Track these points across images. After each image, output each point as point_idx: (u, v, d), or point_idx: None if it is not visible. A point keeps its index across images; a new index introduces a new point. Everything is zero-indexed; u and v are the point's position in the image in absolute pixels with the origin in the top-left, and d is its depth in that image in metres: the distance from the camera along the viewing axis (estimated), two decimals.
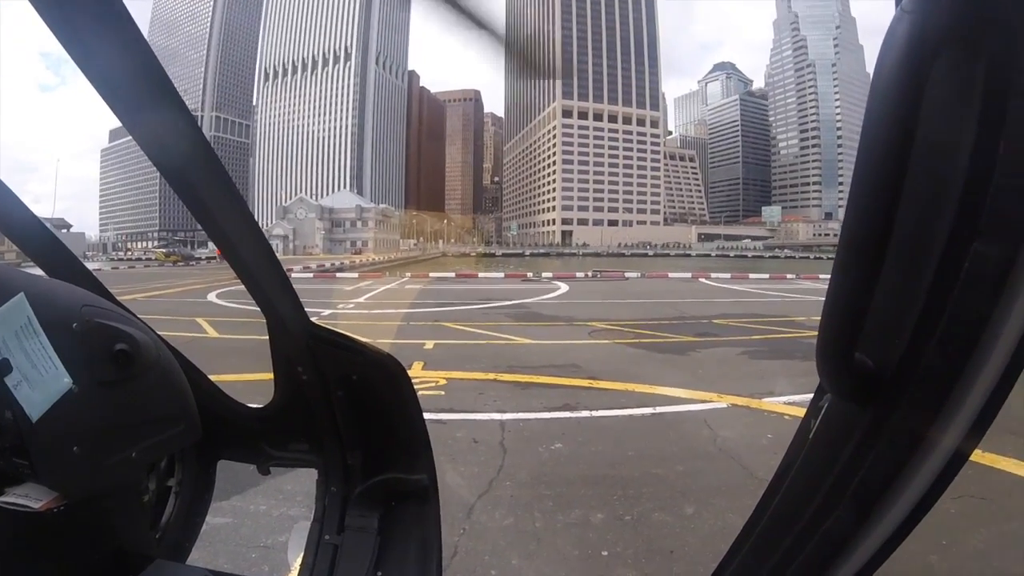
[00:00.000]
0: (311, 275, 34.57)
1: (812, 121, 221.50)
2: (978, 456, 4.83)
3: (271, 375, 1.61)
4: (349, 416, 1.59)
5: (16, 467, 1.12)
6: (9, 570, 1.01)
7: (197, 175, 1.05)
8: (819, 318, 0.62)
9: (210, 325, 13.09)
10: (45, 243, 1.48)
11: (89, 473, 1.17)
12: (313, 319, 1.47)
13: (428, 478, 1.60)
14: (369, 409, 1.59)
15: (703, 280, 31.72)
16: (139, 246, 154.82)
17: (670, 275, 35.17)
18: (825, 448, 0.75)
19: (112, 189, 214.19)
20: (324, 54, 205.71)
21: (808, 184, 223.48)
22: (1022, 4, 0.50)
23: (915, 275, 0.58)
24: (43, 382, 1.08)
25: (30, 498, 1.13)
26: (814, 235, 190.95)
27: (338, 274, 35.34)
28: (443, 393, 7.06)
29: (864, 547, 0.71)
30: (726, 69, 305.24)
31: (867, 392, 0.64)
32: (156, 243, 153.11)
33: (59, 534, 1.20)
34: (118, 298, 1.48)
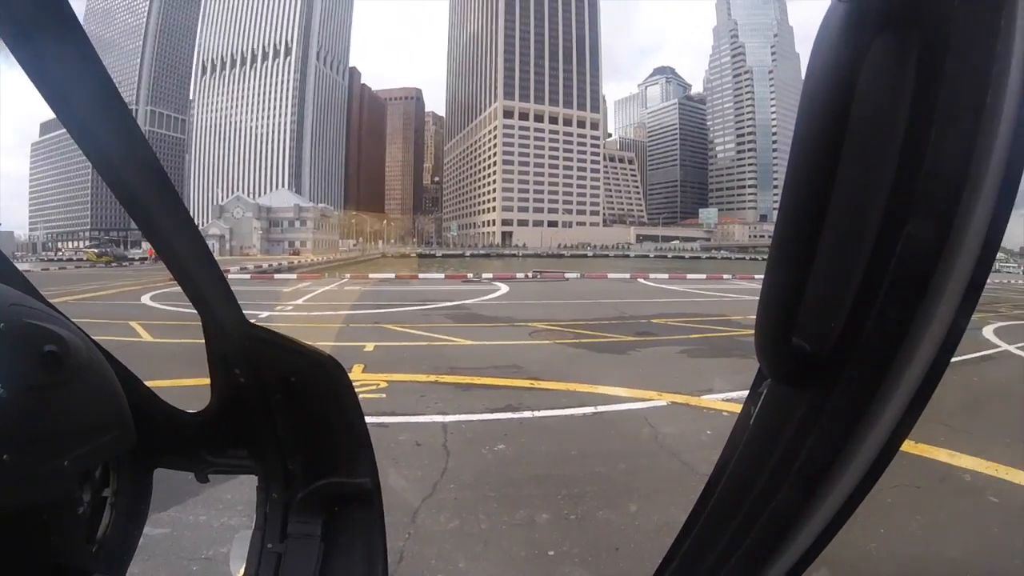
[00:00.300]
0: (248, 276, 33.73)
1: (748, 125, 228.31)
2: (911, 447, 5.05)
3: (207, 380, 1.54)
4: (288, 419, 1.54)
5: None
6: None
7: (132, 170, 1.05)
8: (755, 316, 0.63)
9: (144, 329, 12.59)
10: None
11: (20, 483, 1.08)
12: (250, 320, 1.42)
13: (371, 481, 1.56)
14: (309, 411, 1.54)
15: (642, 280, 32.28)
16: (70, 246, 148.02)
17: (609, 275, 35.65)
18: (766, 432, 0.76)
19: (43, 186, 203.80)
20: (264, 48, 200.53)
21: (744, 187, 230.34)
22: (947, 9, 0.51)
23: (849, 259, 0.58)
24: None
25: None
26: (750, 236, 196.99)
27: (276, 275, 34.53)
28: (384, 396, 6.96)
29: (809, 527, 0.71)
30: (666, 73, 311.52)
31: (805, 375, 0.65)
32: (88, 243, 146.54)
33: None
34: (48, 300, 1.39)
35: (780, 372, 0.69)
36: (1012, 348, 11.19)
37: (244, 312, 1.40)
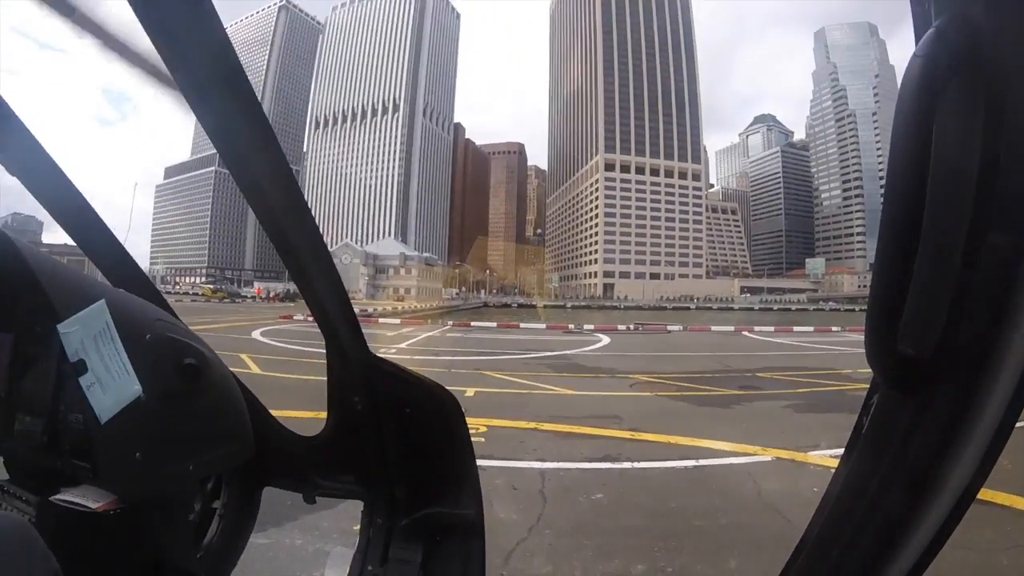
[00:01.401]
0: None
1: (854, 171, 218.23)
2: (1021, 502, 4.66)
3: (311, 414, 1.67)
4: (399, 448, 1.61)
5: (74, 468, 1.19)
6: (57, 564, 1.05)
7: (282, 205, 1.12)
8: (865, 370, 0.72)
9: (253, 362, 13.35)
10: (122, 261, 1.59)
11: (149, 479, 1.23)
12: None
13: (475, 514, 1.60)
14: (420, 441, 1.60)
15: (746, 333, 31.21)
16: (187, 280, 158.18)
17: (713, 328, 34.64)
18: (876, 438, 0.81)
19: (164, 224, 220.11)
20: (374, 105, 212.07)
21: (852, 235, 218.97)
22: (1004, 47, 0.62)
23: (943, 269, 0.66)
24: (115, 386, 1.15)
25: (88, 498, 1.18)
26: (859, 287, 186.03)
27: (380, 319, 35.64)
28: (483, 440, 7.07)
29: (921, 530, 0.75)
30: (767, 121, 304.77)
31: (911, 378, 0.71)
32: (204, 279, 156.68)
33: (109, 537, 1.25)
34: None
35: (888, 375, 0.74)
36: None
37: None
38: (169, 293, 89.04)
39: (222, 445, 1.41)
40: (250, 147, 1.04)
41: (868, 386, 0.82)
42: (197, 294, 79.99)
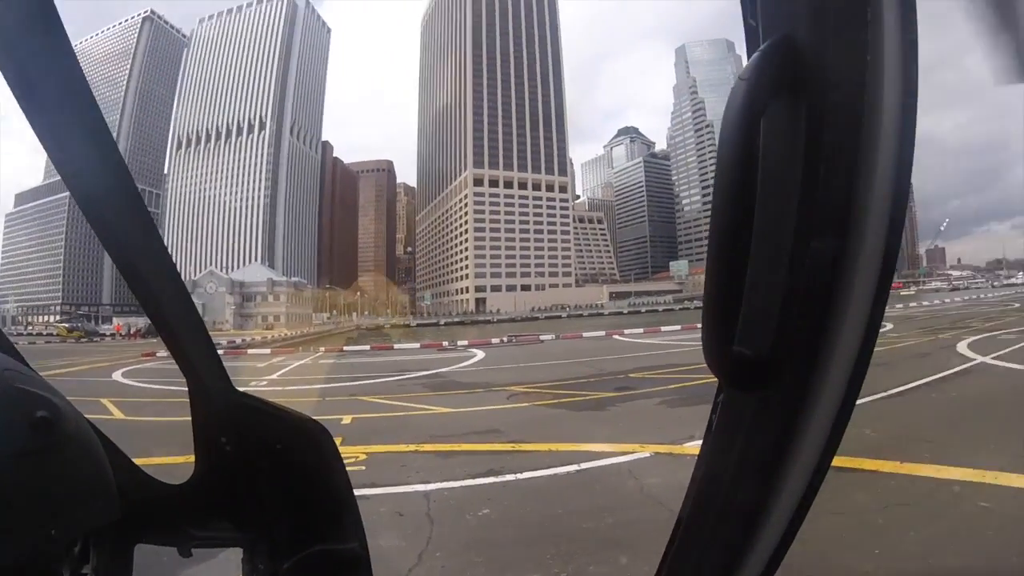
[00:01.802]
0: (221, 352, 33.13)
1: (712, 177, 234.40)
2: (897, 467, 5.10)
3: (180, 458, 1.52)
4: (274, 487, 1.51)
5: None
6: None
7: (126, 227, 1.06)
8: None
9: (115, 406, 12.30)
10: None
11: (5, 547, 1.05)
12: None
13: (359, 546, 1.53)
14: (294, 478, 1.51)
15: (617, 337, 32.38)
16: (40, 320, 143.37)
17: (584, 335, 35.76)
18: (724, 433, 0.86)
19: (14, 258, 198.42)
20: (239, 123, 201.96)
21: None
22: (823, 70, 0.69)
23: (772, 272, 0.71)
24: None
25: None
26: None
27: (249, 350, 34.07)
28: (364, 468, 6.84)
29: (774, 519, 0.81)
30: (630, 133, 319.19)
31: (748, 377, 0.76)
32: (58, 317, 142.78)
33: None
34: None
35: (726, 375, 0.79)
36: (987, 359, 11.45)
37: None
38: (21, 335, 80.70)
39: (85, 504, 1.22)
40: (95, 172, 1.00)
41: None
42: (52, 334, 72.99)
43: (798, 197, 0.70)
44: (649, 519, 4.77)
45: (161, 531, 1.59)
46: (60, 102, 0.91)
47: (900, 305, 44.77)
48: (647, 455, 6.69)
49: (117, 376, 19.64)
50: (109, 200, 1.02)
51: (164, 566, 3.74)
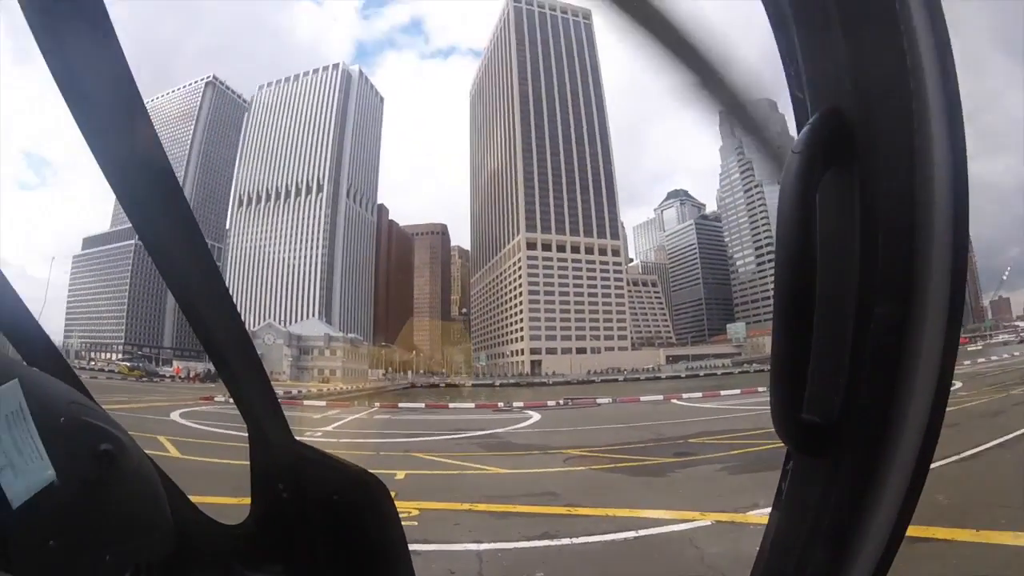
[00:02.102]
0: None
1: (766, 237, 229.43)
2: (973, 535, 4.76)
3: (234, 500, 1.53)
4: (328, 538, 1.51)
5: None
6: None
7: (192, 273, 1.08)
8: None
9: (172, 444, 12.61)
10: (36, 338, 1.45)
11: (63, 570, 1.10)
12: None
13: None
14: (349, 529, 1.52)
15: (675, 401, 31.71)
16: (103, 357, 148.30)
17: (642, 398, 35.10)
18: (795, 502, 0.86)
19: (80, 297, 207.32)
20: (297, 184, 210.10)
21: (768, 298, 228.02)
22: (872, 137, 0.71)
23: (837, 339, 0.73)
24: (27, 471, 1.06)
25: None
26: None
27: (305, 401, 34.53)
28: (416, 524, 6.76)
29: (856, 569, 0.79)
30: (680, 196, 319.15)
31: (818, 443, 0.77)
32: (120, 356, 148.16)
33: None
34: None
35: (796, 442, 0.79)
36: None
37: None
38: (84, 369, 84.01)
39: (140, 535, 1.29)
40: (168, 226, 1.03)
41: None
42: (113, 371, 75.65)
43: (859, 264, 0.72)
44: None
45: (211, 569, 1.60)
46: (136, 157, 0.94)
47: (968, 361, 42.38)
48: (708, 523, 6.43)
49: (175, 416, 20.19)
50: (177, 247, 1.05)
51: None
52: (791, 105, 0.84)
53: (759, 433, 14.42)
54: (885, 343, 0.71)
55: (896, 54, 0.71)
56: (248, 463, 1.49)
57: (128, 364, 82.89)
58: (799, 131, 0.77)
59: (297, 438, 1.44)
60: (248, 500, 1.54)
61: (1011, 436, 8.55)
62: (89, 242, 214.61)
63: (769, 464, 9.95)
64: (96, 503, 1.17)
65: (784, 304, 0.74)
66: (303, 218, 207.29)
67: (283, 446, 1.43)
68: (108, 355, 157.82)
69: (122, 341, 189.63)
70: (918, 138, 0.70)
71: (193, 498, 1.56)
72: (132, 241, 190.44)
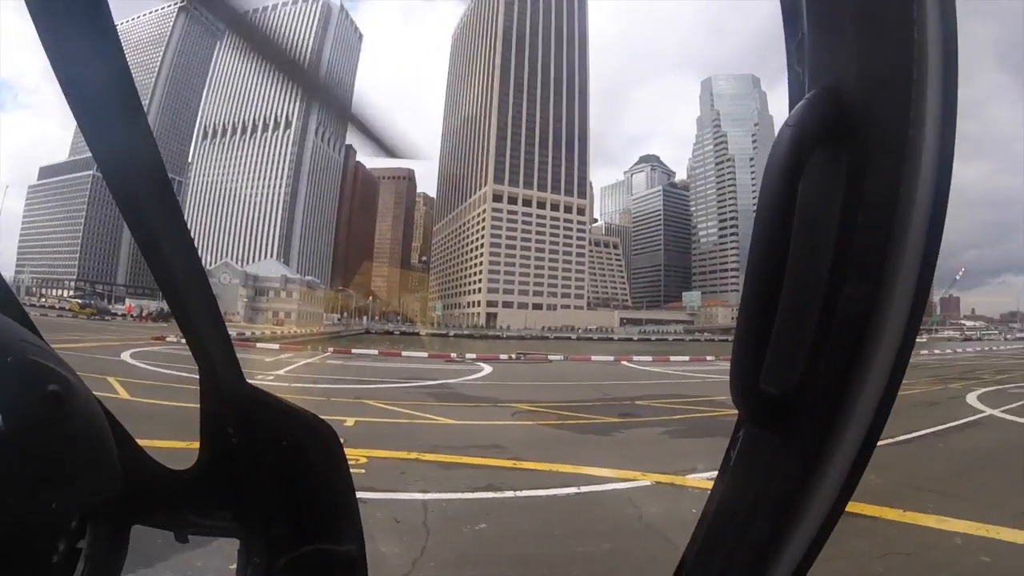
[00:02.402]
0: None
1: (731, 211, 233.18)
2: (900, 515, 5.03)
3: (183, 443, 1.53)
4: (277, 482, 1.50)
5: None
6: None
7: (153, 208, 1.06)
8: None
9: (121, 386, 12.38)
10: None
11: (6, 517, 1.03)
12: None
13: (356, 549, 1.52)
14: (298, 475, 1.51)
15: (625, 363, 32.27)
16: (54, 293, 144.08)
17: (593, 358, 35.67)
18: (743, 470, 0.86)
19: (34, 229, 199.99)
20: (265, 119, 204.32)
21: (727, 270, 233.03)
22: (867, 122, 0.71)
23: (802, 315, 0.72)
24: None
25: None
26: (732, 318, 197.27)
27: (258, 344, 34.19)
28: (364, 471, 6.84)
29: (786, 556, 0.80)
30: (651, 161, 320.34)
31: (772, 415, 0.77)
32: (72, 293, 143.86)
33: None
34: None
35: (751, 413, 0.80)
36: (996, 412, 11.30)
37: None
38: (34, 306, 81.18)
39: (87, 479, 1.21)
40: (129, 155, 1.00)
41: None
42: (64, 309, 73.41)
43: (834, 243, 0.72)
44: (646, 549, 4.75)
45: (159, 514, 1.59)
46: (99, 80, 0.91)
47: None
48: (648, 483, 6.64)
49: (125, 356, 19.82)
50: (138, 179, 1.02)
51: (159, 549, 3.74)
52: (786, 81, 0.83)
53: (704, 400, 14.86)
54: (850, 323, 0.71)
55: (904, 42, 0.70)
56: (198, 406, 1.46)
57: (79, 302, 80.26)
58: (791, 107, 0.77)
59: (248, 381, 1.42)
60: (196, 444, 1.50)
61: (944, 427, 8.98)
62: (46, 171, 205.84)
63: (709, 431, 10.33)
64: (42, 447, 1.09)
65: (756, 273, 0.74)
66: (268, 154, 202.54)
67: (235, 389, 1.42)
68: (60, 291, 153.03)
69: (75, 277, 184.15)
70: (913, 129, 0.70)
71: (141, 442, 1.55)
72: (90, 172, 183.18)
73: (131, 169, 1.00)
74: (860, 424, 0.75)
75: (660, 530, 5.12)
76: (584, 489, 6.43)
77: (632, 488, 6.49)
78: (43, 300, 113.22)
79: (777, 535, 0.79)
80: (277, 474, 1.49)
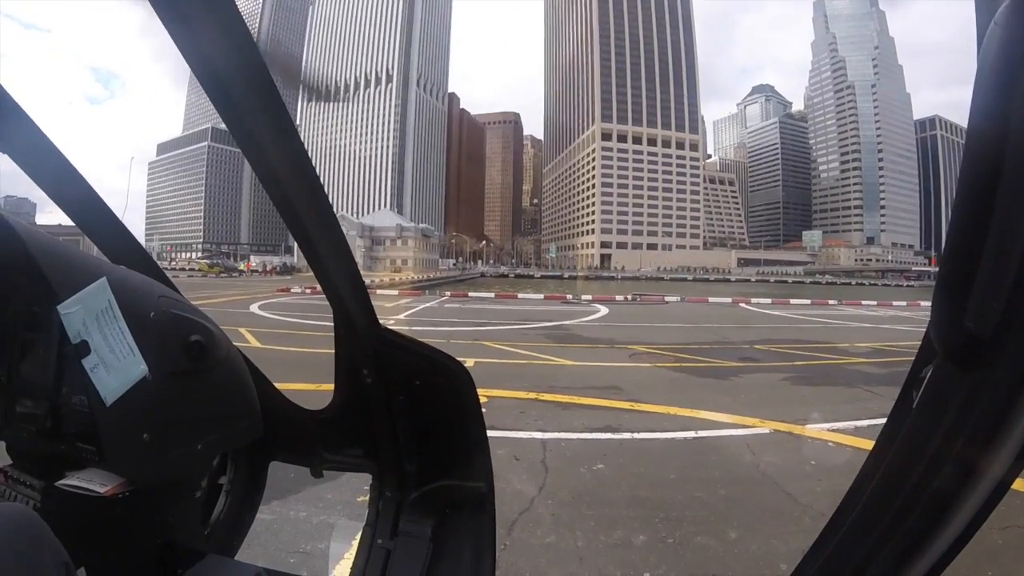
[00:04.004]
0: None
1: (852, 143, 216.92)
2: (1021, 484, 4.69)
3: (314, 386, 1.62)
4: (409, 420, 1.58)
5: (79, 452, 1.16)
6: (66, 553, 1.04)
7: (286, 169, 1.09)
8: (862, 344, 0.72)
9: (252, 335, 13.34)
10: (121, 237, 1.52)
11: (157, 461, 1.20)
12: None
13: (486, 486, 1.57)
14: (430, 414, 1.57)
15: (743, 305, 31.40)
16: (183, 256, 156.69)
17: (710, 300, 34.84)
18: (929, 411, 0.78)
19: (159, 201, 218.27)
20: (367, 75, 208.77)
21: (849, 208, 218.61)
22: None
23: (1012, 250, 0.62)
24: (119, 367, 1.11)
25: (94, 482, 1.14)
26: (856, 260, 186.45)
27: (378, 291, 35.61)
28: (485, 411, 7.08)
29: (965, 508, 0.74)
30: (765, 91, 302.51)
31: (972, 354, 0.68)
32: (200, 254, 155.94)
33: (118, 520, 1.23)
34: None
35: (951, 349, 0.72)
36: None
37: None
38: (166, 269, 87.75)
39: (231, 423, 1.38)
40: (256, 117, 1.01)
41: (900, 359, 0.78)
42: (194, 269, 79.32)
43: None
44: (762, 497, 4.70)
45: (296, 452, 1.71)
46: (221, 47, 0.91)
47: None
48: (766, 431, 6.53)
49: (254, 308, 21.29)
50: (264, 135, 1.04)
51: (291, 483, 4.07)
52: None
53: (826, 347, 14.25)
54: None
55: None
56: (332, 351, 1.54)
57: (207, 261, 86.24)
58: None
59: (381, 324, 1.48)
60: (328, 387, 1.61)
61: None
62: (163, 148, 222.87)
63: (830, 379, 9.99)
64: (188, 394, 1.24)
65: (966, 200, 0.66)
66: (373, 110, 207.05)
67: (368, 333, 1.47)
68: (188, 254, 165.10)
69: (201, 240, 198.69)
70: None
71: (281, 385, 1.70)
72: (205, 143, 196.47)
73: (259, 126, 1.02)
74: None
75: (777, 480, 5.04)
76: (701, 434, 6.41)
77: (750, 435, 6.41)
78: (173, 263, 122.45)
79: (961, 486, 0.72)
80: (410, 412, 1.57)
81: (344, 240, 1.29)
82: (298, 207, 1.13)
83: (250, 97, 0.97)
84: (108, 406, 1.08)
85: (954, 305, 0.67)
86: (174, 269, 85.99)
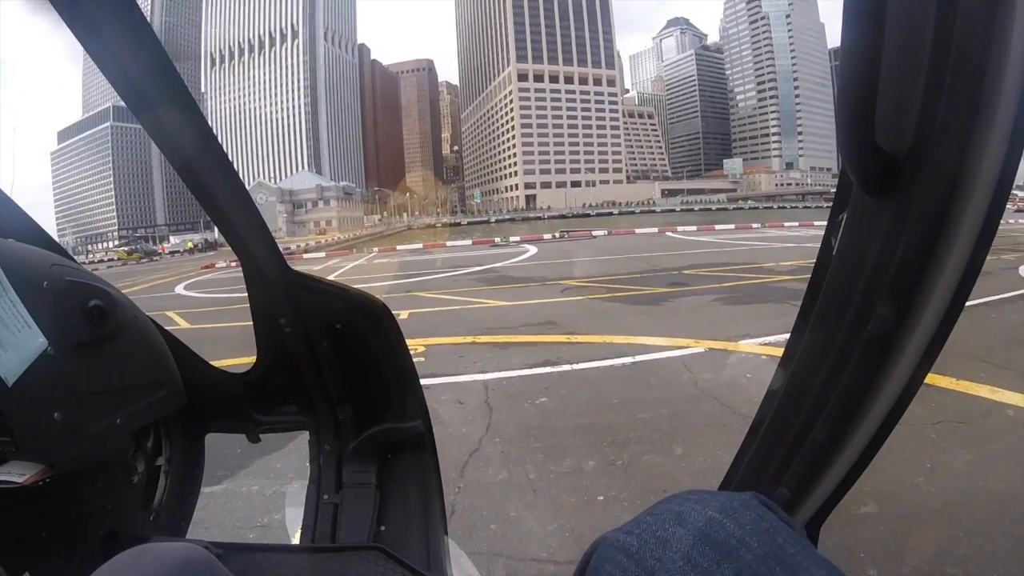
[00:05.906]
0: None
1: (768, 73, 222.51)
2: (952, 383, 4.98)
3: (247, 359, 1.54)
4: (336, 367, 1.53)
5: None
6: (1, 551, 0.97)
7: (178, 126, 1.07)
8: (786, 263, 0.68)
9: (181, 317, 12.81)
10: (5, 208, 1.37)
11: (74, 440, 1.10)
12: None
13: (422, 423, 1.56)
14: (356, 358, 1.53)
15: (670, 234, 31.98)
16: (100, 247, 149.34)
17: (637, 231, 35.47)
18: (852, 255, 0.73)
19: (66, 194, 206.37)
20: (271, 33, 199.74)
21: (768, 135, 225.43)
22: None
23: (912, 57, 0.58)
24: (16, 343, 1.02)
25: (12, 473, 1.05)
26: (776, 185, 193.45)
27: (305, 255, 34.91)
28: (423, 359, 7.02)
29: (911, 346, 0.69)
30: (680, 24, 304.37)
31: (888, 178, 0.63)
32: (117, 242, 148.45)
33: (47, 510, 1.15)
34: None
35: (865, 175, 0.66)
36: None
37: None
38: (84, 264, 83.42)
39: (148, 392, 1.28)
40: (156, 92, 1.02)
41: (794, 275, 0.74)
42: (113, 259, 75.57)
43: None
44: (703, 411, 4.82)
45: (228, 419, 1.65)
46: (112, 18, 0.91)
47: None
48: (701, 350, 6.68)
49: (179, 289, 20.45)
50: (163, 105, 1.03)
51: (241, 458, 3.93)
52: None
53: (752, 267, 14.67)
54: (965, 71, 0.54)
55: None
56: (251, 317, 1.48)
57: (125, 249, 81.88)
58: None
59: (292, 268, 1.42)
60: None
61: (996, 297, 8.61)
62: (64, 134, 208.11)
63: (759, 297, 10.30)
64: (95, 365, 1.15)
65: (855, 6, 0.58)
66: (280, 69, 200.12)
67: (277, 276, 1.41)
68: (105, 244, 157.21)
69: (115, 227, 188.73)
70: None
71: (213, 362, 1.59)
72: (108, 124, 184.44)
73: (157, 100, 1.01)
74: (990, 176, 0.57)
75: (716, 395, 5.17)
76: (639, 358, 6.51)
77: (686, 355, 6.54)
78: (91, 256, 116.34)
79: (898, 322, 0.66)
80: (335, 359, 1.52)
81: (243, 187, 1.23)
82: (189, 155, 1.11)
83: (137, 63, 0.99)
84: (10, 386, 1.02)
85: (862, 125, 0.60)
86: (92, 263, 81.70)
